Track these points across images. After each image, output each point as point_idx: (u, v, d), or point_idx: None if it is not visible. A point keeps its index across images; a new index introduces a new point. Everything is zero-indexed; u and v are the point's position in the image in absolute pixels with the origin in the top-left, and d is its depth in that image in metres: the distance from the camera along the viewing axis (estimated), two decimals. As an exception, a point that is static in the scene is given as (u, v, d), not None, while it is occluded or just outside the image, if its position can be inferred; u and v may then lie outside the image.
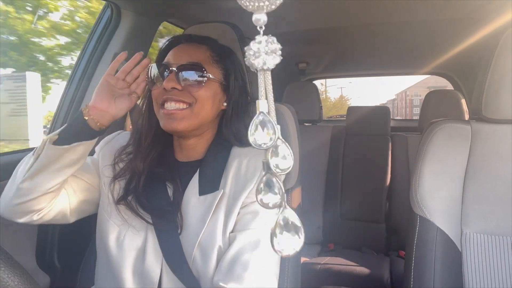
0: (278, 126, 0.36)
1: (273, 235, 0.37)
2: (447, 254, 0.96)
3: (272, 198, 0.37)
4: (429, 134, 1.03)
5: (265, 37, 0.35)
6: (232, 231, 0.81)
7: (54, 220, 0.87)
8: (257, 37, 0.34)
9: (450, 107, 2.20)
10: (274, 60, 0.35)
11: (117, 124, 1.43)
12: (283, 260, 0.98)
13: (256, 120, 0.35)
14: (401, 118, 11.82)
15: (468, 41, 1.88)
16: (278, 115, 1.07)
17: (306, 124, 2.55)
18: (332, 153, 2.37)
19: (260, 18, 0.34)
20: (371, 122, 2.42)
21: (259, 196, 0.37)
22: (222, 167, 0.86)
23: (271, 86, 0.36)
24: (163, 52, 0.89)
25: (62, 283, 1.20)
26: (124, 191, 0.86)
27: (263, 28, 0.35)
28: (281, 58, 0.35)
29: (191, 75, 0.82)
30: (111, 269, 0.85)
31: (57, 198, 0.84)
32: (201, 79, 0.82)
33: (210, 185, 0.84)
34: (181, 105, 0.82)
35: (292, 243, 0.37)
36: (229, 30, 1.04)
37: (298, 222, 0.37)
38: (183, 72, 0.82)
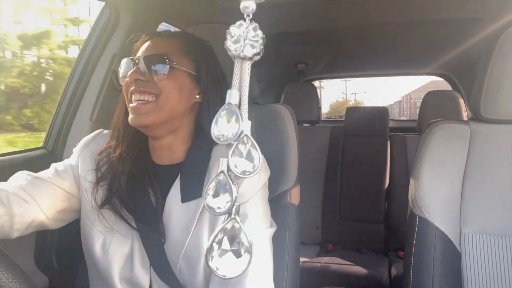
0: (249, 122, 0.32)
1: (208, 251, 0.30)
2: (446, 255, 0.96)
3: (220, 203, 0.32)
4: (428, 134, 1.03)
5: (248, 23, 0.32)
6: None
7: (37, 230, 0.81)
8: (239, 22, 0.32)
9: (448, 107, 2.20)
10: (253, 49, 0.32)
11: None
12: (282, 260, 0.98)
13: (222, 110, 0.32)
14: (406, 119, 11.98)
15: (467, 41, 1.89)
16: (277, 116, 1.07)
17: (305, 125, 2.55)
18: (331, 153, 2.37)
19: (248, 6, 0.32)
20: (370, 123, 2.42)
21: (207, 198, 0.32)
22: (204, 171, 0.82)
23: (248, 78, 0.33)
24: (136, 49, 0.88)
25: (60, 284, 1.19)
26: (108, 193, 0.82)
27: (250, 16, 0.33)
28: (262, 48, 0.33)
29: (155, 66, 0.79)
30: (101, 276, 0.83)
31: (26, 216, 0.76)
32: (164, 68, 0.79)
33: (192, 192, 0.80)
34: (147, 97, 0.79)
35: (233, 265, 0.31)
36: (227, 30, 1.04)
37: (246, 240, 0.31)
38: (147, 63, 0.79)
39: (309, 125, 2.56)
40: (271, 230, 0.82)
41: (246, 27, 0.32)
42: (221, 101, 0.84)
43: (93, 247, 0.82)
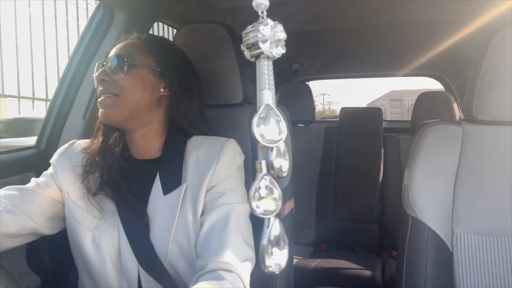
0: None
1: (264, 252, 0.32)
2: (439, 255, 0.97)
3: (270, 205, 0.32)
4: (421, 135, 1.04)
5: (274, 23, 0.32)
6: (201, 215, 0.83)
7: (30, 239, 0.85)
8: (264, 20, 0.32)
9: (441, 108, 2.22)
10: (280, 49, 0.33)
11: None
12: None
13: (263, 112, 0.31)
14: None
15: (459, 42, 1.90)
16: None
17: (299, 125, 2.55)
18: (325, 153, 2.38)
19: (262, 3, 0.32)
20: (364, 123, 2.43)
21: (255, 203, 0.32)
22: (181, 162, 0.87)
23: (273, 76, 0.32)
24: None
25: (53, 285, 1.18)
26: (99, 182, 0.85)
27: (265, 13, 0.32)
28: (285, 49, 0.33)
29: (116, 65, 0.84)
30: (94, 272, 0.85)
31: (15, 226, 0.79)
32: (124, 67, 0.84)
33: (172, 183, 0.85)
34: (110, 94, 0.85)
35: (279, 258, 0.33)
36: (222, 30, 1.04)
37: (285, 233, 0.34)
38: (110, 64, 0.85)
39: (303, 125, 2.57)
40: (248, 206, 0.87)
41: (274, 27, 0.32)
42: (188, 95, 0.92)
43: (83, 244, 0.84)
